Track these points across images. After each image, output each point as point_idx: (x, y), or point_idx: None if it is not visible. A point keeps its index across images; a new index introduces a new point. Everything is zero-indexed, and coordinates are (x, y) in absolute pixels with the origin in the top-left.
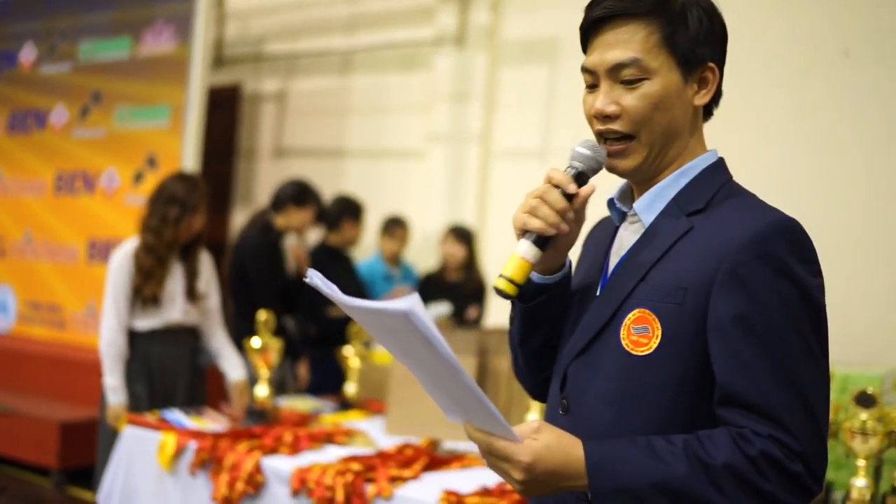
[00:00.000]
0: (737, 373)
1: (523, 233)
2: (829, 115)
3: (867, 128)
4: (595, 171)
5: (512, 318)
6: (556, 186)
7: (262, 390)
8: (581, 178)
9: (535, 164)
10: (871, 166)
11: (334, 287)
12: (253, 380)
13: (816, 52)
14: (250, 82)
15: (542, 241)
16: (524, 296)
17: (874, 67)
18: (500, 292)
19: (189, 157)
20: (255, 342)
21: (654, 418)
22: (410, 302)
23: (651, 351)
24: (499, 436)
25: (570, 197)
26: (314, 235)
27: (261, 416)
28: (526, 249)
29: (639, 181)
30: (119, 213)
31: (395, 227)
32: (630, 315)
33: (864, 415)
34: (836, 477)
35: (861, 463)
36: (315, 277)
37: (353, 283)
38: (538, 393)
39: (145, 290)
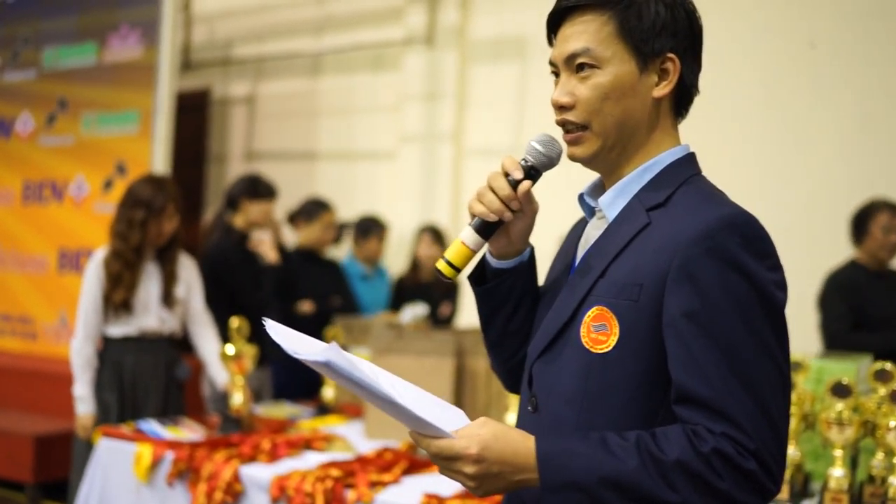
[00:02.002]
0: (689, 370)
1: (473, 217)
2: (799, 106)
3: (838, 118)
4: (546, 166)
5: (477, 307)
6: (506, 174)
7: (237, 398)
8: (532, 171)
9: None
10: (843, 156)
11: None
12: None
13: (785, 43)
14: (219, 86)
15: (484, 227)
16: (480, 279)
17: (843, 58)
18: (438, 272)
19: (159, 163)
20: (229, 349)
21: (616, 416)
22: (329, 351)
23: (610, 349)
24: (443, 437)
25: (517, 185)
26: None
27: (236, 424)
28: (467, 235)
29: (605, 174)
30: (89, 222)
31: (373, 228)
32: (589, 312)
33: (839, 405)
34: (814, 467)
35: (838, 453)
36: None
37: (337, 285)
38: (509, 383)
39: (114, 297)
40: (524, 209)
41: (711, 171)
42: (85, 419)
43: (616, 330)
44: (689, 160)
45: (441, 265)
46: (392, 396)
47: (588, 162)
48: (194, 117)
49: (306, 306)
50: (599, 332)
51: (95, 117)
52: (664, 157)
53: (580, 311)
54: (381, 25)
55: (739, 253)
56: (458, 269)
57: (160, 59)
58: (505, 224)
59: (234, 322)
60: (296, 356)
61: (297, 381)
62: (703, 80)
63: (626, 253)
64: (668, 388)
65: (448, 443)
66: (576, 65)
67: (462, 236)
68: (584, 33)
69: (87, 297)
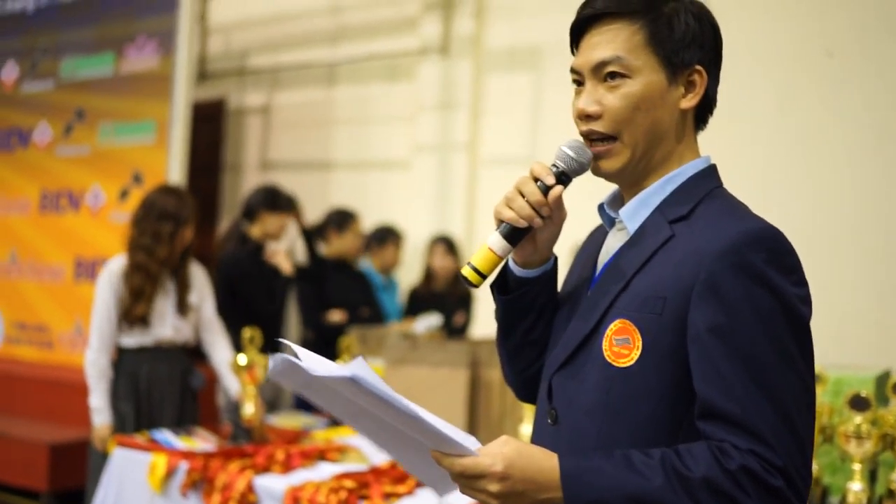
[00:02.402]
0: (714, 385)
1: (499, 223)
2: (815, 115)
3: (853, 127)
4: (577, 172)
5: (496, 315)
6: (536, 179)
7: (248, 408)
8: (563, 177)
9: (522, 171)
10: (859, 165)
11: (303, 356)
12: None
13: (801, 52)
14: (235, 96)
15: (512, 234)
16: (505, 288)
17: (859, 67)
18: (464, 279)
19: (175, 173)
20: (241, 359)
21: (639, 430)
22: (355, 367)
23: (632, 363)
24: (467, 455)
25: (548, 191)
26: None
27: (247, 435)
28: (495, 241)
29: (626, 186)
30: (105, 231)
31: (390, 237)
32: (612, 326)
33: (858, 418)
34: (832, 481)
35: (856, 467)
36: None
37: (365, 296)
38: (523, 393)
39: (135, 311)
40: (553, 216)
41: (729, 182)
42: (102, 430)
43: (639, 344)
44: (711, 172)
45: (467, 272)
46: (418, 413)
47: (615, 176)
48: (210, 127)
49: (337, 316)
50: (622, 345)
51: (112, 127)
52: (686, 169)
53: (602, 324)
54: (396, 35)
55: (765, 268)
56: (484, 276)
57: (176, 70)
58: (532, 231)
59: (247, 333)
60: (315, 374)
61: None
62: (720, 89)
63: (649, 266)
64: (690, 402)
65: (473, 460)
66: (605, 73)
67: (489, 242)
68: (613, 41)
69: (102, 309)
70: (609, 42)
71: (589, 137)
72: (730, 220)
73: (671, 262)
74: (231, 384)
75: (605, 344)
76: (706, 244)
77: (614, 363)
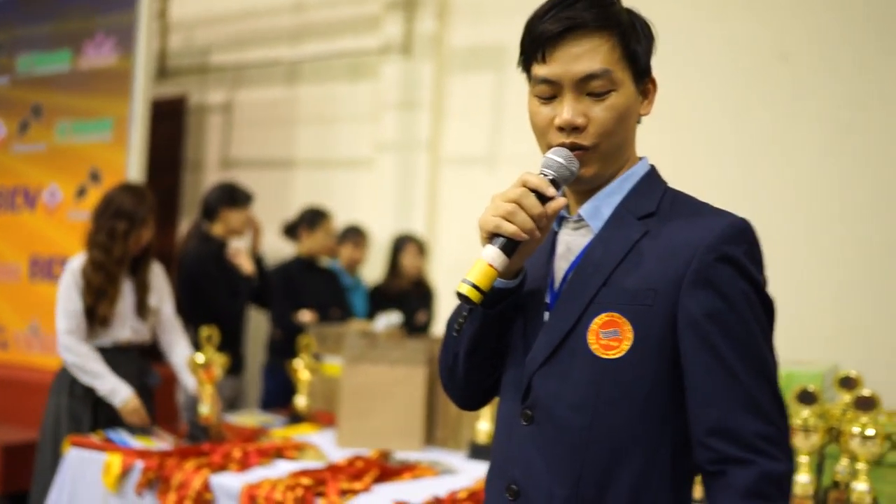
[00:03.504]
0: (713, 367)
1: (491, 237)
2: (770, 118)
3: (808, 129)
4: (567, 180)
5: (459, 328)
6: (533, 191)
7: (205, 407)
8: (553, 185)
9: (483, 171)
10: (814, 167)
11: None
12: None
13: (755, 57)
14: (196, 94)
15: (510, 246)
16: (485, 302)
17: (813, 71)
18: (463, 298)
19: (133, 171)
20: (199, 357)
21: (630, 419)
22: None
23: (623, 354)
24: None
25: (544, 201)
26: (287, 249)
27: (204, 433)
28: (494, 256)
29: (586, 190)
30: (62, 230)
31: (354, 235)
32: (597, 319)
33: (805, 412)
34: None
35: (804, 459)
36: None
37: (336, 296)
38: (466, 402)
39: (98, 311)
40: (549, 225)
41: (678, 185)
42: (129, 406)
43: (630, 335)
44: (656, 171)
45: (466, 289)
46: None
47: (587, 182)
48: (170, 124)
49: (307, 316)
50: (610, 338)
51: (69, 124)
52: (637, 169)
53: (584, 320)
54: (359, 34)
55: (744, 259)
56: (483, 293)
57: (135, 67)
58: (525, 243)
59: (205, 331)
60: None
61: (291, 389)
62: (676, 94)
63: (628, 260)
64: (678, 387)
65: None
66: (590, 86)
67: (487, 258)
68: (598, 54)
69: (72, 305)
70: (593, 55)
71: (571, 149)
72: (708, 215)
73: (655, 255)
74: (189, 382)
75: (590, 338)
76: (694, 237)
77: (603, 356)
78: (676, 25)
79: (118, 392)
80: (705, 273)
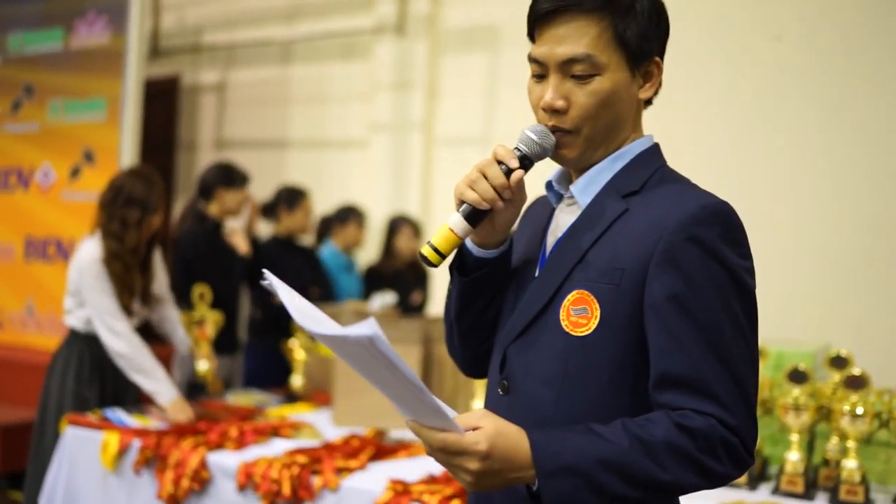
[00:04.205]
0: (672, 351)
1: (460, 203)
2: (761, 99)
3: (798, 110)
4: (539, 156)
5: (450, 292)
6: (500, 162)
7: (202, 364)
8: (525, 161)
9: (477, 151)
10: (803, 147)
11: (304, 305)
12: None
13: (748, 37)
14: (189, 73)
15: (474, 215)
16: (464, 269)
17: (805, 52)
18: (424, 259)
19: (127, 151)
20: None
21: (595, 397)
22: (371, 327)
23: (590, 331)
24: (451, 430)
25: (510, 174)
26: (265, 229)
27: (202, 390)
28: (456, 221)
29: (579, 168)
30: (56, 210)
31: (357, 216)
32: (569, 296)
33: (796, 391)
34: (772, 451)
35: (794, 437)
36: (280, 291)
37: (315, 275)
38: (470, 369)
39: (123, 300)
40: (514, 199)
41: (676, 163)
42: (175, 407)
43: (597, 313)
44: (656, 150)
45: (427, 251)
46: (419, 383)
47: (572, 163)
48: (164, 104)
49: None
50: (580, 315)
51: (62, 104)
52: (634, 147)
53: (559, 295)
54: (352, 14)
55: (717, 242)
56: (443, 256)
57: (128, 46)
58: (492, 213)
59: (197, 289)
60: (330, 334)
61: (270, 368)
62: (669, 73)
63: (604, 238)
64: (645, 370)
65: (456, 437)
66: (573, 69)
67: (450, 223)
68: (583, 37)
69: (110, 297)
70: (578, 38)
71: (553, 130)
72: (685, 195)
73: (628, 234)
74: (182, 342)
75: (562, 314)
76: (665, 218)
77: (572, 332)
78: (669, 5)
79: (163, 392)
80: (671, 254)
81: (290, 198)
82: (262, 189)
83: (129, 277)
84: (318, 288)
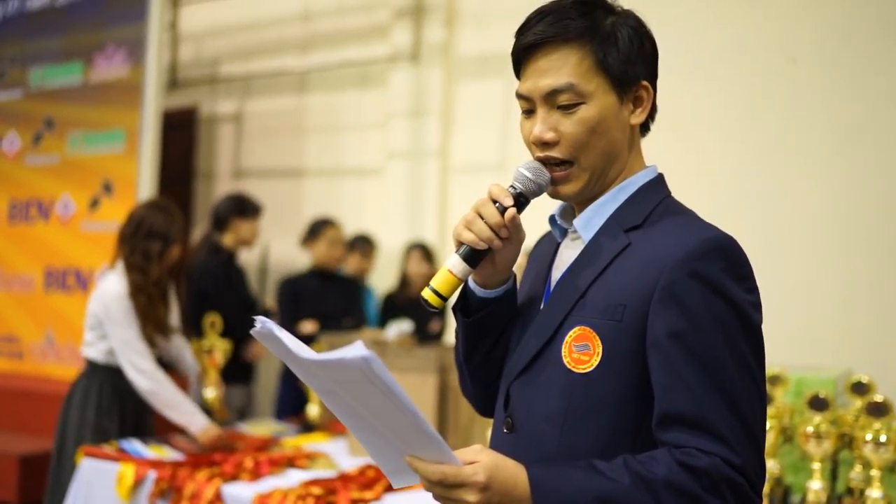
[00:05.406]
0: (675, 389)
1: (459, 245)
2: (779, 120)
3: (817, 132)
4: (535, 193)
5: (457, 334)
6: (494, 201)
7: (209, 392)
8: (520, 199)
9: (493, 178)
10: (822, 171)
11: (286, 336)
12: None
13: (763, 60)
14: (206, 104)
15: (472, 255)
16: (467, 309)
17: (821, 74)
18: (425, 303)
19: (145, 182)
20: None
21: (599, 435)
22: (363, 348)
23: (592, 368)
24: (448, 462)
25: (504, 212)
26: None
27: (209, 416)
28: (455, 263)
29: (581, 203)
30: (75, 241)
31: (362, 244)
32: (571, 332)
33: (817, 418)
34: (794, 480)
35: (816, 465)
36: (265, 325)
37: (349, 306)
38: (484, 408)
39: (145, 334)
40: (512, 237)
41: (688, 189)
42: (206, 434)
43: (599, 350)
44: (661, 181)
45: (428, 295)
46: (417, 411)
47: (573, 198)
48: (182, 135)
49: (308, 327)
50: (582, 351)
51: (81, 136)
52: (637, 179)
53: (560, 332)
54: (367, 43)
55: (721, 276)
56: (444, 299)
57: (146, 78)
58: (491, 252)
59: (209, 318)
60: (324, 359)
61: (294, 399)
62: (685, 97)
63: (606, 274)
64: (649, 406)
65: (455, 469)
66: (558, 100)
67: (449, 265)
68: (563, 67)
69: (135, 333)
70: (559, 68)
71: (546, 162)
72: (687, 229)
73: (630, 269)
74: (190, 366)
75: (564, 351)
76: (666, 253)
77: (574, 369)
78: (685, 28)
79: (194, 422)
80: (673, 290)
81: (312, 228)
82: (279, 218)
83: (154, 310)
84: (352, 318)
